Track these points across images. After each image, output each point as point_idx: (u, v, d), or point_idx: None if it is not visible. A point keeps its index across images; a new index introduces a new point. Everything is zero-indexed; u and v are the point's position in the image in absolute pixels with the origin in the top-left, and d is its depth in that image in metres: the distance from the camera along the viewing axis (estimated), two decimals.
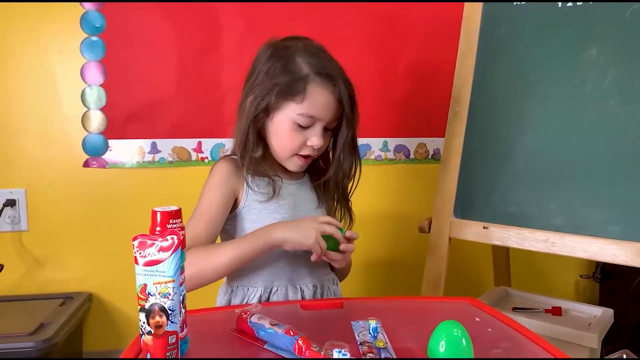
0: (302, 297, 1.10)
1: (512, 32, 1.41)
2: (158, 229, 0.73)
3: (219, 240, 1.11)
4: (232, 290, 1.09)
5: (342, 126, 1.08)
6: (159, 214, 0.73)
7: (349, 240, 1.03)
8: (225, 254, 0.99)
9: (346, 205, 1.19)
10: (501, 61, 1.43)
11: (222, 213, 1.06)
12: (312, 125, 1.04)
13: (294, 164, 1.09)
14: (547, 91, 1.33)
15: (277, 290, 1.08)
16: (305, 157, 1.08)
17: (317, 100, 1.02)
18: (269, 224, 1.02)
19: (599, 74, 1.24)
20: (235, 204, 1.09)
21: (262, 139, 1.09)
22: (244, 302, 1.07)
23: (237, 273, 1.08)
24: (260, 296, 1.07)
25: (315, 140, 1.05)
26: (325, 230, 0.99)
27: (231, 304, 1.09)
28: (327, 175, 1.13)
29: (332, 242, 1.00)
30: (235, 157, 1.10)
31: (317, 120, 1.04)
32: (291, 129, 1.04)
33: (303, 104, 1.02)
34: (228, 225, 1.10)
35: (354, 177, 1.16)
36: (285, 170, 1.13)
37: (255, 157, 1.06)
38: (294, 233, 0.98)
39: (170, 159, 1.72)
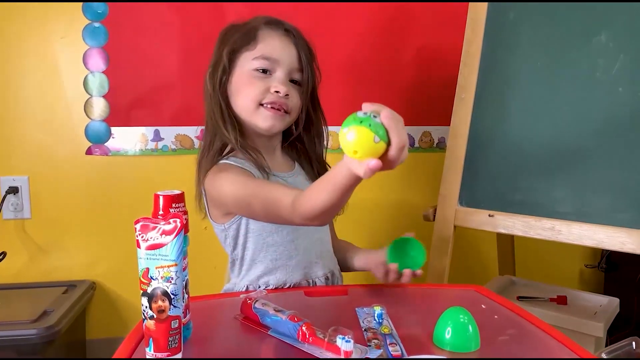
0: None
1: (519, 18, 1.39)
2: (161, 212, 0.72)
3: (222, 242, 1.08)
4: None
5: (302, 76, 1.06)
6: (161, 197, 0.73)
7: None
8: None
9: None
10: (508, 47, 1.40)
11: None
12: (272, 71, 1.03)
13: (263, 118, 1.03)
14: (555, 77, 1.32)
15: (289, 285, 1.05)
16: (273, 108, 1.02)
17: (270, 42, 1.03)
18: None
19: (608, 60, 1.22)
20: None
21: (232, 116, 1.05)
22: None
23: (248, 273, 1.05)
24: None
25: (277, 85, 1.02)
26: None
27: None
28: (297, 130, 1.12)
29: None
30: (223, 161, 1.03)
31: (275, 63, 1.03)
32: (251, 77, 1.03)
33: (256, 48, 1.03)
34: (230, 225, 1.05)
35: (324, 135, 1.15)
36: (274, 163, 1.08)
37: (236, 129, 1.03)
38: None
39: (173, 146, 1.71)
